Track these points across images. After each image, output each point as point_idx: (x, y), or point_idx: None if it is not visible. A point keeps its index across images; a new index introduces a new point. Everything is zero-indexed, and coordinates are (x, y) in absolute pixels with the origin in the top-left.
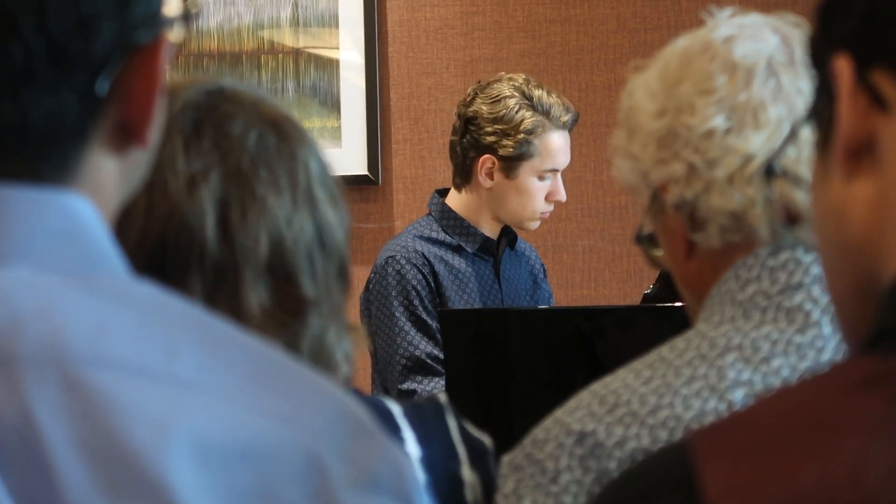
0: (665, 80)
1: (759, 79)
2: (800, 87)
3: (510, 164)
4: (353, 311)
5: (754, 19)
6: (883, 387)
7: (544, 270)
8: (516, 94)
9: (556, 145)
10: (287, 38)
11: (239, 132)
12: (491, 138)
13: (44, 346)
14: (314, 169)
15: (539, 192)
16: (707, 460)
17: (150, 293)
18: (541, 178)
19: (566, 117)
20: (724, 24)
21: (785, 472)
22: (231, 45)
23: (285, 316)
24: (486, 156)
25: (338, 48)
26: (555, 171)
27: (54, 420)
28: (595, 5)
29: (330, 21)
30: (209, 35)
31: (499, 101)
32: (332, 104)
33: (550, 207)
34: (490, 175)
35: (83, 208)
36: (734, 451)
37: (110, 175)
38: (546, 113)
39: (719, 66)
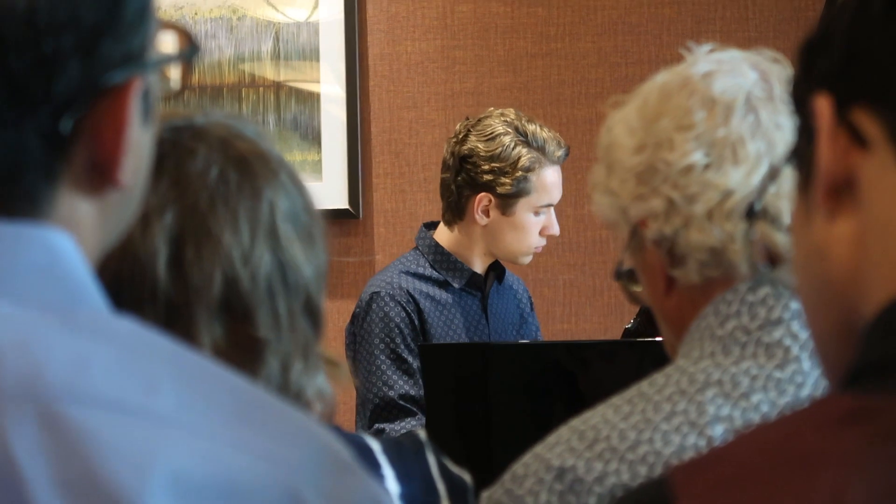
0: (644, 116)
1: (737, 114)
2: (779, 123)
3: (507, 202)
4: (335, 346)
5: (733, 55)
6: (861, 423)
7: (531, 303)
8: (510, 130)
9: (552, 181)
10: (268, 72)
11: (199, 169)
12: (488, 177)
13: (23, 382)
14: (282, 206)
15: (534, 228)
16: (686, 496)
17: (130, 329)
18: (536, 213)
19: (560, 152)
20: (703, 60)
21: None
22: (212, 78)
23: (240, 355)
24: (483, 194)
25: (319, 81)
26: (549, 205)
27: (33, 457)
28: (576, 39)
29: (311, 54)
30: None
31: (494, 138)
32: (312, 137)
33: (544, 242)
34: (486, 212)
35: (63, 243)
36: (713, 487)
37: (87, 216)
38: (541, 149)
39: (698, 101)
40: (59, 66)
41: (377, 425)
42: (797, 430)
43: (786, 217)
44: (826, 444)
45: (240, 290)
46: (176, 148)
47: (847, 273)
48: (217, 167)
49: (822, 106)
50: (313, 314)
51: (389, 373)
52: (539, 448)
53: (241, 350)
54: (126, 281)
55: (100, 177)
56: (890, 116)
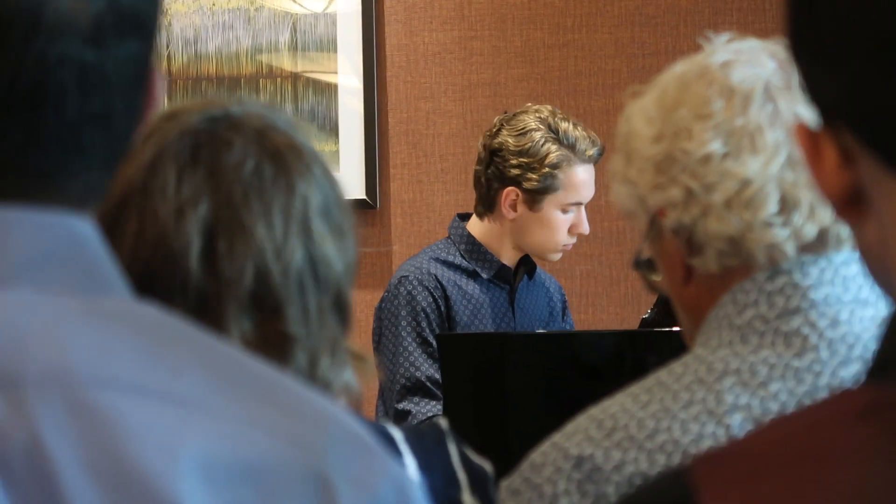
0: (662, 106)
1: (756, 103)
2: (797, 112)
3: (534, 197)
4: (356, 340)
5: (751, 44)
6: (882, 417)
7: (565, 303)
8: (542, 126)
9: (581, 179)
10: (285, 63)
11: (235, 162)
12: (516, 171)
13: (49, 369)
14: (316, 201)
15: (562, 225)
16: (707, 488)
17: (153, 314)
18: (564, 210)
19: (592, 151)
20: (722, 50)
21: (785, 500)
22: (229, 70)
23: (269, 349)
24: (511, 188)
25: (336, 73)
26: (579, 204)
27: (62, 442)
28: (593, 30)
29: (328, 45)
30: (207, 59)
31: (525, 133)
32: (330, 128)
33: (573, 240)
34: (514, 207)
35: (86, 230)
36: (734, 480)
37: None
38: (571, 147)
39: (716, 90)
40: (154, 45)
41: (403, 405)
42: (818, 423)
43: (805, 205)
44: (846, 437)
45: (271, 284)
46: (212, 139)
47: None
48: (253, 160)
49: (798, 133)
50: (342, 309)
51: (416, 354)
52: (557, 437)
53: (270, 344)
54: (158, 272)
55: None
56: (857, 126)
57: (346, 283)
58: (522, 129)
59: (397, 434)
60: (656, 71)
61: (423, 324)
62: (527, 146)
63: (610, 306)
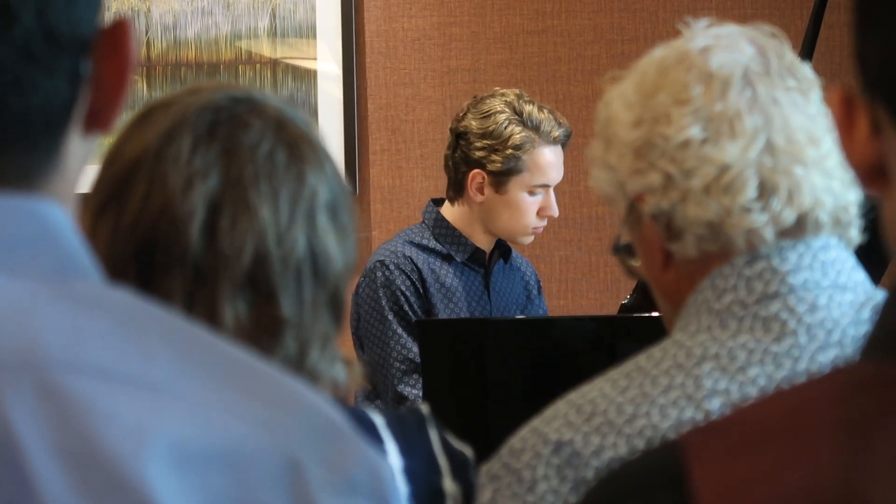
0: (641, 91)
1: (734, 89)
2: (776, 98)
3: (499, 179)
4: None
5: (730, 30)
6: (876, 392)
7: (539, 286)
8: (507, 109)
9: (546, 160)
10: (265, 49)
11: (250, 143)
12: (480, 153)
13: (19, 353)
14: (323, 196)
15: (530, 207)
16: (698, 459)
17: (125, 299)
18: (531, 192)
19: (557, 132)
20: (701, 35)
21: (776, 472)
22: (209, 55)
23: (259, 333)
24: (476, 171)
25: (315, 59)
26: (546, 186)
27: (31, 426)
28: (572, 16)
29: (307, 31)
30: (187, 45)
31: (489, 116)
32: (309, 114)
33: (543, 223)
34: (480, 190)
35: (56, 214)
36: (726, 451)
37: (78, 162)
38: (535, 128)
39: (695, 76)
40: (82, 6)
41: (401, 388)
42: (812, 398)
43: (783, 191)
44: (839, 412)
45: (268, 268)
46: (232, 117)
47: None
48: (268, 144)
49: (832, 100)
50: (337, 307)
51: (405, 336)
52: (536, 422)
53: (262, 328)
54: (160, 240)
55: (95, 120)
56: (887, 97)
57: (343, 282)
58: (487, 111)
59: (378, 420)
60: (635, 56)
61: (406, 307)
62: (490, 128)
63: (589, 292)
